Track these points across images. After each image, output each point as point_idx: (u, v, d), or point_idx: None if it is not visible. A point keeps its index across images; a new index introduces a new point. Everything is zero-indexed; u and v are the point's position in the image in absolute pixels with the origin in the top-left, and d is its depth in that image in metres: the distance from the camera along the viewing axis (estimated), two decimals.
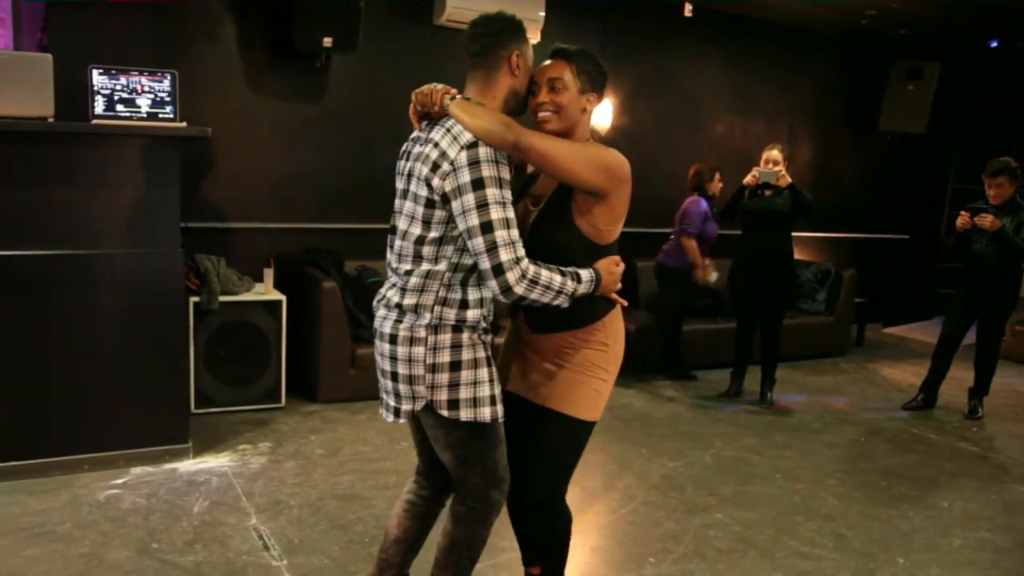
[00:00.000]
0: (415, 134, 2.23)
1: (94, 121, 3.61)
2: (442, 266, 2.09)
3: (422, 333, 2.11)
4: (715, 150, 7.08)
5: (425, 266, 2.10)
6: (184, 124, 3.80)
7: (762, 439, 4.71)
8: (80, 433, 3.67)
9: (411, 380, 2.14)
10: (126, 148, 3.63)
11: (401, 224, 2.17)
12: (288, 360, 4.77)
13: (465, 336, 2.14)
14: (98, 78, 3.62)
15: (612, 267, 2.20)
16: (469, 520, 2.29)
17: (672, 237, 5.75)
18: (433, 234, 2.08)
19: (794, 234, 5.30)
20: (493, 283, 2.01)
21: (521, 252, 2.01)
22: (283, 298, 4.72)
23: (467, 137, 2.02)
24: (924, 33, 7.23)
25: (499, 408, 2.19)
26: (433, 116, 2.16)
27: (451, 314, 2.11)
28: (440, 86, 2.14)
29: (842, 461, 4.45)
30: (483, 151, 2.00)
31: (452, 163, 2.01)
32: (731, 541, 3.38)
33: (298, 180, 5.34)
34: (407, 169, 2.18)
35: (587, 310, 2.22)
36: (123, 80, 3.66)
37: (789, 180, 5.06)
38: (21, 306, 3.51)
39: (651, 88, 6.65)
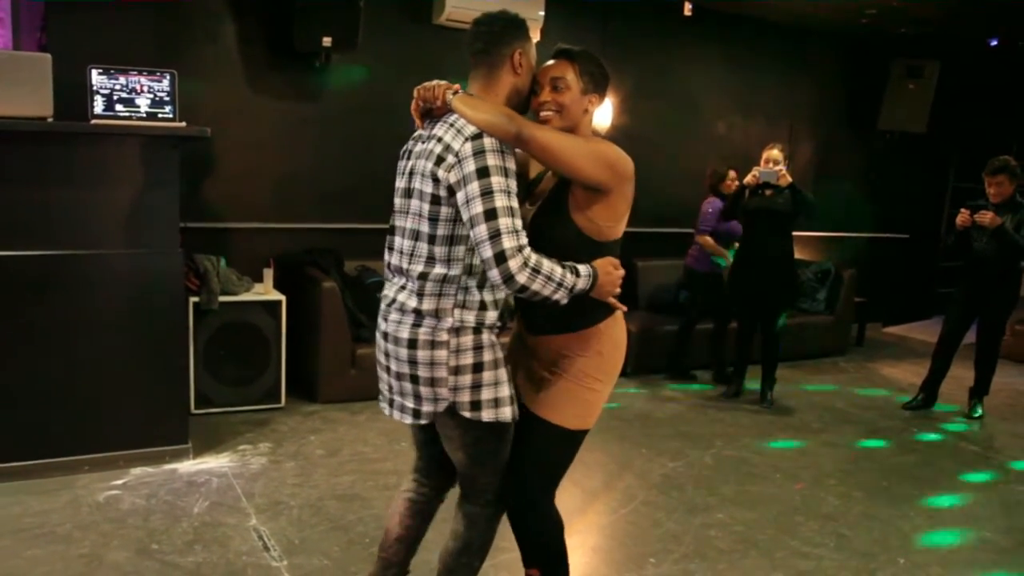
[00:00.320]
0: (417, 132, 2.22)
1: (93, 121, 3.61)
2: (456, 270, 2.07)
3: (444, 336, 2.09)
4: (715, 149, 7.08)
5: (440, 269, 2.08)
6: (183, 124, 3.80)
7: (763, 439, 4.70)
8: (80, 434, 3.66)
9: (433, 383, 2.12)
10: (125, 148, 3.63)
11: (408, 223, 2.15)
12: (288, 360, 4.77)
13: (485, 337, 2.13)
14: (97, 78, 3.62)
15: (610, 268, 2.16)
16: (483, 520, 2.30)
17: (695, 241, 5.84)
18: (441, 232, 2.06)
19: (794, 233, 5.30)
20: (495, 272, 1.97)
21: (524, 241, 1.99)
22: (283, 298, 4.71)
23: (471, 129, 2.01)
24: (924, 32, 7.22)
25: (516, 407, 2.20)
26: (436, 112, 2.16)
27: (471, 316, 2.10)
28: (443, 82, 2.14)
29: (842, 461, 4.44)
30: (488, 141, 1.99)
31: (457, 154, 2.00)
32: (732, 541, 3.38)
33: (298, 180, 5.34)
34: (408, 167, 2.17)
35: (584, 313, 2.19)
36: (122, 80, 3.66)
37: (790, 179, 5.06)
38: (20, 306, 3.51)
39: (651, 87, 6.64)
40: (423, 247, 2.10)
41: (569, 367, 2.23)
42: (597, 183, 2.12)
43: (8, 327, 3.50)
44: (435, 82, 2.14)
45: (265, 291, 4.75)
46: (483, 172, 1.97)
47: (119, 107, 3.66)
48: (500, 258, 1.95)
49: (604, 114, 6.20)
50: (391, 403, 2.27)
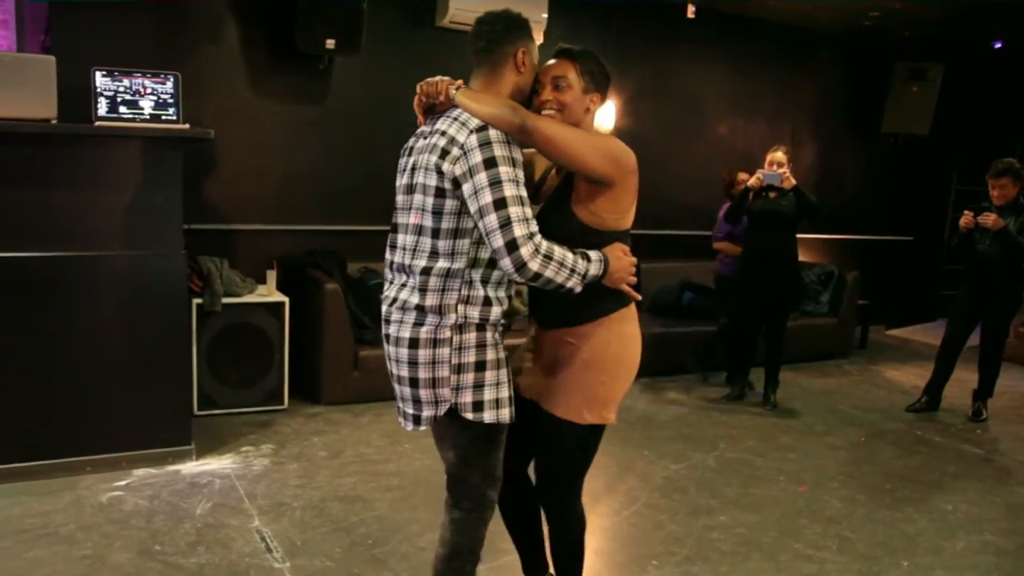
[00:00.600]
0: (420, 129, 2.22)
1: (97, 123, 3.61)
2: (460, 263, 2.06)
3: (447, 334, 2.08)
4: (718, 151, 7.08)
5: (443, 263, 2.06)
6: (187, 126, 3.80)
7: (765, 441, 4.70)
8: (83, 435, 3.67)
9: (435, 383, 2.10)
10: (129, 150, 3.63)
11: (410, 220, 2.14)
12: (291, 362, 4.77)
13: (489, 335, 2.12)
14: (101, 80, 3.62)
15: (619, 253, 2.15)
16: (468, 524, 2.26)
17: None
18: (445, 225, 2.06)
19: (798, 236, 5.29)
20: (507, 260, 1.95)
21: (535, 228, 1.98)
22: (286, 300, 4.72)
23: (476, 122, 2.02)
24: (927, 34, 7.22)
25: (513, 409, 2.19)
26: (438, 108, 2.16)
27: (475, 312, 2.09)
28: (446, 78, 2.15)
29: (846, 463, 4.44)
30: (493, 132, 2.00)
31: (462, 147, 2.00)
32: (734, 544, 3.37)
33: (301, 182, 5.34)
34: (411, 163, 2.17)
35: (593, 305, 2.18)
36: (126, 82, 3.66)
37: (794, 182, 5.05)
38: (24, 307, 3.52)
39: (653, 89, 6.64)
40: (426, 242, 2.09)
41: (577, 361, 2.22)
42: (601, 176, 2.12)
43: (11, 328, 3.50)
44: (438, 78, 2.15)
45: (268, 293, 4.75)
46: (490, 163, 1.96)
47: (123, 109, 3.67)
48: (512, 246, 1.94)
49: (607, 116, 6.20)
50: (398, 410, 2.26)
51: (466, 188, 1.99)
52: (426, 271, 2.08)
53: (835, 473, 4.27)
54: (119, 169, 3.63)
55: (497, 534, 3.25)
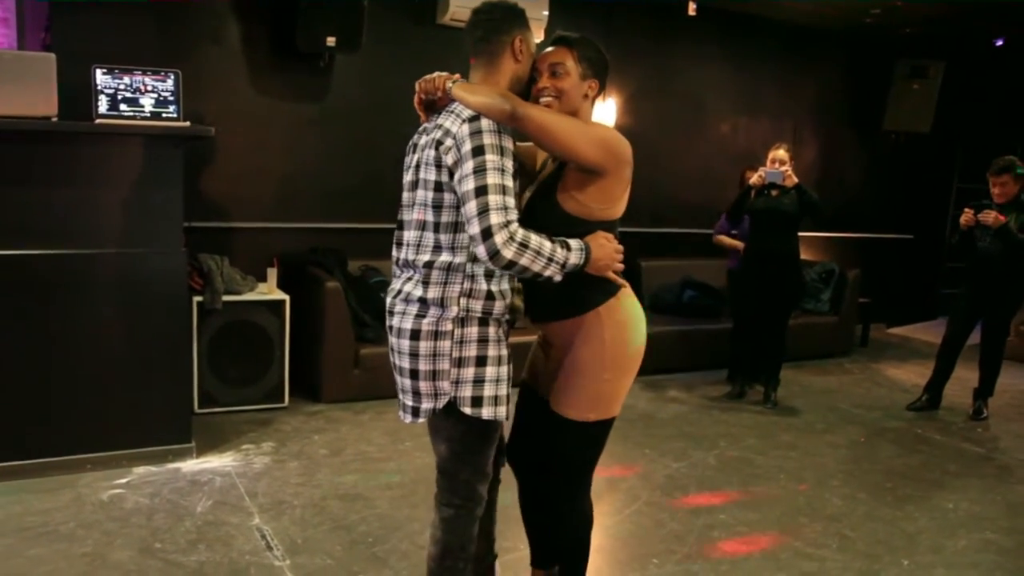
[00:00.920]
0: (422, 126, 2.23)
1: (98, 120, 3.61)
2: (462, 257, 2.08)
3: (448, 326, 2.09)
4: (718, 150, 7.08)
5: (445, 257, 2.08)
6: (187, 124, 3.80)
7: (766, 440, 4.69)
8: (83, 432, 3.67)
9: (434, 376, 2.11)
10: (129, 147, 3.63)
11: (415, 215, 2.16)
12: (291, 360, 4.77)
13: (492, 330, 2.13)
14: (102, 77, 3.62)
15: (602, 240, 2.13)
16: (458, 521, 2.27)
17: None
18: (444, 219, 2.07)
19: (800, 234, 5.28)
20: (481, 248, 1.96)
21: (513, 216, 1.98)
22: (286, 298, 4.72)
23: (468, 112, 2.04)
24: (928, 32, 7.20)
25: (512, 406, 2.19)
26: (439, 104, 2.17)
27: (478, 306, 2.10)
28: (443, 73, 2.16)
29: (846, 462, 4.43)
30: (484, 122, 2.01)
31: (454, 136, 2.03)
32: (735, 542, 3.37)
33: (301, 179, 5.34)
34: (414, 160, 2.19)
35: (580, 297, 2.17)
36: (127, 79, 3.66)
37: (796, 180, 5.05)
38: (25, 305, 3.52)
39: (654, 87, 6.63)
40: (429, 236, 2.11)
41: (573, 358, 2.22)
42: (593, 164, 2.11)
43: (12, 325, 3.51)
44: (435, 74, 2.16)
45: (269, 291, 4.75)
46: (478, 151, 1.98)
47: (123, 107, 3.67)
48: (486, 233, 1.95)
49: (608, 114, 6.20)
50: (399, 402, 2.27)
51: (455, 176, 2.02)
52: (429, 264, 2.10)
53: (836, 471, 4.26)
54: (119, 167, 3.63)
55: (499, 532, 3.25)
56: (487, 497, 2.33)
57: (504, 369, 2.16)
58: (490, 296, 2.11)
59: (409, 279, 2.16)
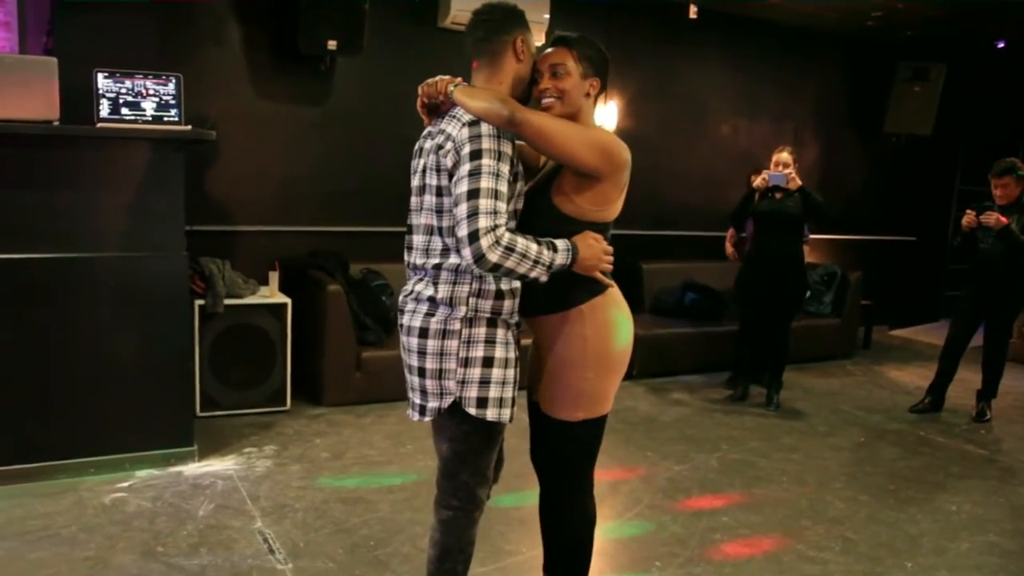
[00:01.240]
0: (426, 130, 2.24)
1: (99, 124, 3.61)
2: None
3: (456, 326, 2.10)
4: (720, 152, 7.08)
5: (454, 259, 2.10)
6: (189, 127, 3.80)
7: (768, 442, 4.69)
8: (85, 436, 3.67)
9: (441, 375, 2.13)
10: (131, 151, 3.64)
11: (422, 220, 2.17)
12: (293, 363, 4.77)
13: (500, 332, 2.14)
14: (103, 81, 3.62)
15: (590, 240, 2.13)
16: (456, 523, 2.27)
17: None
18: (447, 224, 2.09)
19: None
20: (467, 251, 1.97)
21: (500, 221, 1.99)
22: (288, 301, 4.72)
23: (468, 116, 2.05)
24: (930, 34, 7.20)
25: (515, 409, 2.19)
26: (441, 108, 2.18)
27: (487, 306, 2.11)
28: (446, 77, 2.17)
29: (849, 464, 4.43)
30: (484, 126, 2.03)
31: (454, 140, 2.04)
32: (737, 545, 3.37)
33: (303, 183, 5.34)
34: (420, 165, 2.19)
35: (566, 293, 2.17)
36: (128, 83, 3.66)
37: (799, 183, 5.05)
38: (27, 309, 3.52)
39: (655, 90, 6.64)
40: (437, 240, 2.13)
41: (557, 357, 2.22)
42: (590, 169, 2.12)
43: (14, 329, 3.51)
44: (437, 78, 2.17)
45: (270, 294, 4.75)
46: (476, 155, 2.00)
47: (125, 110, 3.67)
48: (473, 237, 1.97)
49: (609, 116, 6.20)
50: (409, 400, 2.28)
51: (453, 179, 2.03)
52: (438, 267, 2.12)
53: (838, 474, 4.26)
54: (121, 170, 3.63)
55: (502, 535, 3.26)
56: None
57: (511, 372, 2.17)
58: (499, 295, 2.12)
59: (420, 280, 2.19)
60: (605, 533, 3.45)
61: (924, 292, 8.62)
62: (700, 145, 7.02)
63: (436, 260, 2.12)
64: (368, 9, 4.90)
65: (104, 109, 3.63)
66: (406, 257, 2.26)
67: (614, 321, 2.23)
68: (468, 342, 2.11)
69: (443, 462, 2.27)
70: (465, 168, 2.00)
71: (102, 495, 3.50)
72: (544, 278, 2.08)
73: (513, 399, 2.18)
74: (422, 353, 2.14)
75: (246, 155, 5.11)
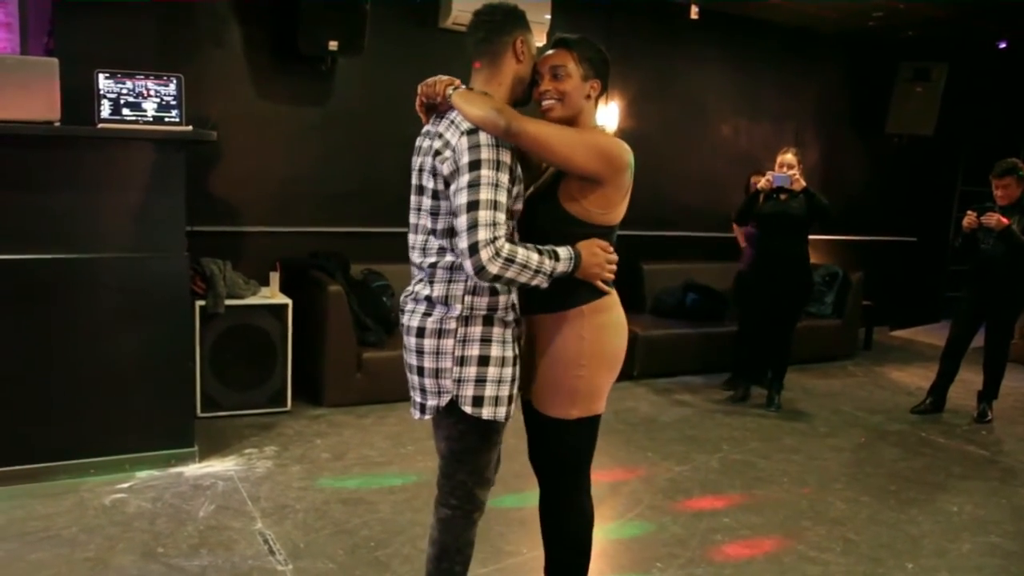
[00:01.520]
0: (425, 128, 2.24)
1: (100, 125, 3.61)
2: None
3: (452, 325, 2.11)
4: (721, 152, 7.07)
5: (449, 258, 2.11)
6: (190, 128, 3.80)
7: (769, 443, 4.68)
8: (85, 437, 3.67)
9: (438, 374, 2.14)
10: (132, 152, 3.64)
11: (419, 220, 2.19)
12: (294, 364, 4.77)
13: (496, 331, 2.14)
14: (104, 82, 3.62)
15: (595, 248, 2.15)
16: (455, 523, 2.28)
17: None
18: (441, 226, 2.10)
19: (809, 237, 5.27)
20: (468, 263, 1.99)
21: (500, 233, 2.00)
22: (289, 302, 4.72)
23: (467, 124, 2.04)
24: (931, 34, 7.20)
25: (512, 408, 2.20)
26: (439, 109, 2.18)
27: (482, 303, 2.11)
28: (444, 78, 2.17)
29: (849, 465, 4.42)
30: (483, 136, 2.02)
31: (453, 149, 2.04)
32: (738, 546, 3.36)
33: (304, 183, 5.34)
34: (419, 164, 2.20)
35: (564, 294, 2.17)
36: (129, 84, 3.66)
37: (803, 184, 5.04)
38: (27, 309, 3.52)
39: (656, 90, 6.63)
40: (433, 240, 2.14)
41: (552, 353, 2.22)
42: (591, 174, 2.13)
43: (14, 330, 3.51)
44: (437, 78, 2.17)
45: (271, 295, 4.75)
46: (475, 165, 2.00)
47: (126, 111, 3.67)
48: (473, 249, 1.98)
49: (610, 117, 6.20)
50: (411, 399, 2.30)
51: (451, 187, 2.04)
52: (433, 266, 2.14)
53: (839, 475, 4.25)
54: (122, 171, 3.63)
55: (502, 536, 3.25)
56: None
57: (508, 371, 2.17)
58: (494, 292, 2.12)
59: (419, 280, 2.21)
60: (606, 534, 3.44)
61: (925, 293, 8.61)
62: (701, 146, 7.01)
63: (432, 259, 2.14)
64: (369, 9, 4.90)
65: (105, 110, 3.63)
66: (410, 255, 2.28)
67: (611, 324, 2.25)
68: (464, 341, 2.11)
69: (442, 461, 2.29)
70: (464, 179, 2.00)
71: (102, 496, 3.50)
72: (545, 285, 2.09)
73: (510, 397, 2.18)
74: (420, 352, 2.16)
75: (247, 155, 5.12)
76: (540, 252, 2.06)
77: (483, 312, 2.12)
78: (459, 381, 2.12)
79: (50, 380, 3.58)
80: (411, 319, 2.18)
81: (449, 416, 2.19)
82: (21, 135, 3.38)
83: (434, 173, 2.08)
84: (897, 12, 6.49)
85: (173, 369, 3.83)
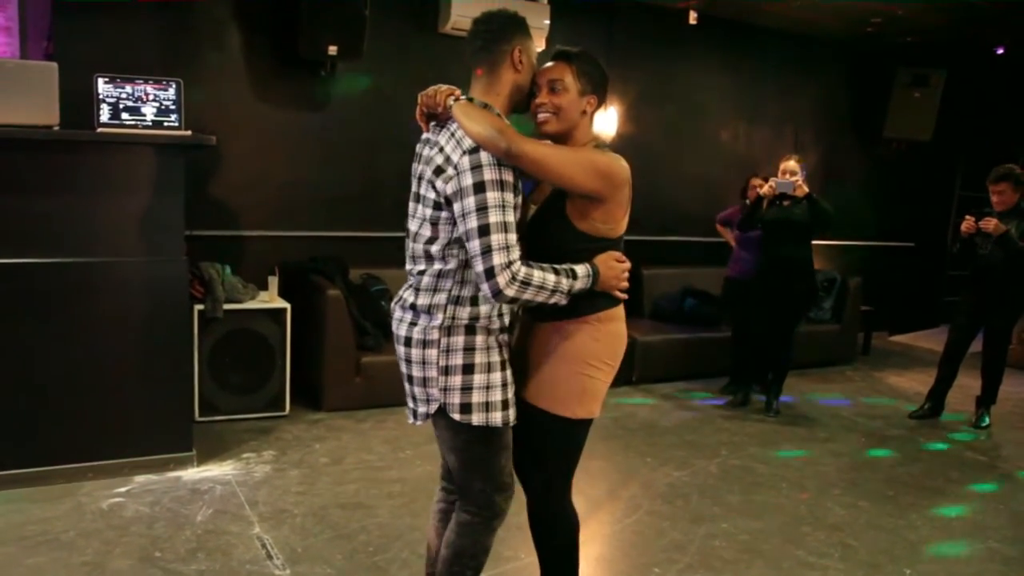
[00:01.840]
0: (425, 136, 2.23)
1: (99, 129, 3.62)
2: (452, 264, 2.10)
3: (435, 335, 2.12)
4: (720, 157, 7.08)
5: (436, 265, 2.12)
6: (189, 132, 3.81)
7: (768, 448, 4.68)
8: (84, 441, 3.66)
9: (425, 382, 2.16)
10: (131, 156, 3.64)
11: (415, 227, 2.18)
12: (292, 368, 4.77)
13: (479, 339, 2.14)
14: (103, 86, 3.63)
15: (611, 261, 2.18)
16: (473, 528, 2.28)
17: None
18: (441, 236, 2.10)
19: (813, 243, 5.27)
20: (485, 286, 2.01)
21: (515, 256, 2.01)
22: (288, 306, 4.72)
23: (469, 142, 2.03)
24: (929, 40, 7.21)
25: (511, 412, 2.19)
26: (439, 118, 2.17)
27: (464, 313, 2.12)
28: (444, 87, 2.16)
29: (848, 470, 4.42)
30: (484, 155, 2.01)
31: (455, 167, 2.03)
32: (737, 551, 3.36)
33: (303, 188, 5.35)
34: (418, 172, 2.20)
35: (587, 302, 2.19)
36: (128, 88, 3.67)
37: (806, 190, 5.05)
38: (26, 313, 3.52)
39: (655, 95, 6.64)
40: (424, 247, 2.14)
41: (566, 352, 2.23)
42: (592, 192, 2.14)
43: (13, 333, 3.50)
44: (437, 88, 2.16)
45: (270, 299, 4.75)
46: (479, 187, 1.99)
47: (125, 115, 3.67)
48: (489, 274, 1.99)
49: (609, 122, 6.21)
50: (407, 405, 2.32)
51: (456, 208, 2.03)
52: (421, 272, 2.16)
53: (837, 480, 4.25)
54: (121, 175, 3.63)
55: (502, 541, 3.24)
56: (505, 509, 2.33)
57: (497, 376, 2.16)
58: (474, 301, 2.12)
59: (409, 286, 2.22)
60: (604, 539, 3.44)
61: (924, 298, 8.62)
62: (700, 151, 7.02)
63: (421, 266, 2.16)
64: (368, 14, 4.91)
65: (104, 114, 3.64)
66: (406, 261, 2.29)
67: (620, 332, 2.31)
68: (447, 351, 2.12)
69: (454, 471, 2.29)
70: (470, 202, 1.99)
71: (100, 500, 3.50)
72: (563, 302, 2.12)
73: (504, 401, 2.17)
74: (408, 361, 2.19)
75: (246, 160, 5.12)
76: (556, 272, 2.08)
77: (465, 322, 2.12)
78: (445, 390, 2.14)
79: (48, 384, 3.58)
80: (399, 328, 2.21)
81: (445, 427, 2.20)
82: (20, 139, 3.38)
83: (434, 186, 2.07)
84: (896, 18, 6.51)
85: (171, 373, 3.83)
